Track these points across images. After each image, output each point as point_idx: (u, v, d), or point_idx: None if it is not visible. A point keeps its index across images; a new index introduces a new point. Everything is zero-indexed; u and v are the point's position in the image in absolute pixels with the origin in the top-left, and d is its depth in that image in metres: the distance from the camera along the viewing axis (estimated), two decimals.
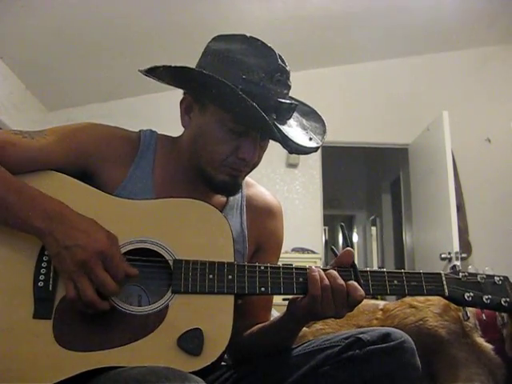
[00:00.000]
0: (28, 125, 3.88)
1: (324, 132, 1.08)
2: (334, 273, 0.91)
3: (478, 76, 4.38)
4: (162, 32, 3.62)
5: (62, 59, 3.70)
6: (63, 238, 0.83)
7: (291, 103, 0.99)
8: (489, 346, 1.46)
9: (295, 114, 1.05)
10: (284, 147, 0.98)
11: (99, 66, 3.89)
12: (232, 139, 0.98)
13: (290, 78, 1.00)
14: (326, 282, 0.90)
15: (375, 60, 4.45)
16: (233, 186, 1.03)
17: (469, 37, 4.24)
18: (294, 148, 0.98)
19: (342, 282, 0.90)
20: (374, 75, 4.43)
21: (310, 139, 1.02)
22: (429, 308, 1.59)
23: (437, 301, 1.59)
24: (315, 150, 1.02)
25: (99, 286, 0.83)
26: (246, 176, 1.06)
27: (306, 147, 1.00)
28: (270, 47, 0.97)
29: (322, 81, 4.41)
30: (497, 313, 1.03)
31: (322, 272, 0.92)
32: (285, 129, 0.97)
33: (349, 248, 0.97)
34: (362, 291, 0.91)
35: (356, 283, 0.91)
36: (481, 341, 1.48)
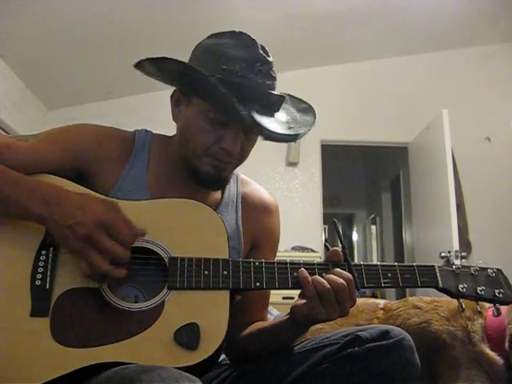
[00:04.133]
0: (27, 123, 3.88)
1: (311, 124, 1.06)
2: (333, 276, 0.91)
3: (478, 74, 4.38)
4: (161, 31, 3.62)
5: (61, 58, 3.70)
6: (63, 219, 0.83)
7: (274, 94, 0.98)
8: (499, 359, 1.42)
9: (291, 110, 1.06)
10: (257, 133, 0.98)
11: (99, 65, 3.89)
12: (214, 129, 0.98)
13: (275, 70, 0.99)
14: (327, 285, 0.89)
15: (375, 58, 4.45)
16: (217, 179, 1.03)
17: (468, 35, 4.24)
18: (267, 134, 0.96)
19: (341, 280, 0.90)
20: (373, 74, 4.43)
21: (290, 128, 1.00)
22: (436, 310, 1.53)
23: (446, 303, 1.53)
24: (290, 137, 1.00)
25: (108, 255, 0.83)
26: (232, 170, 1.06)
27: (278, 134, 0.97)
28: (253, 40, 0.99)
29: (321, 79, 4.42)
30: (493, 307, 1.02)
31: (320, 278, 0.91)
32: (262, 118, 0.95)
33: (335, 247, 0.97)
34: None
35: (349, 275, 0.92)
36: (490, 352, 1.43)
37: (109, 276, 0.84)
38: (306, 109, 1.10)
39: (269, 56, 0.99)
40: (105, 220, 0.84)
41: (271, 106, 0.99)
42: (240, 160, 1.05)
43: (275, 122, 0.98)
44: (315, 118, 1.08)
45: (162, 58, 0.95)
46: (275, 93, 0.99)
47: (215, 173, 1.02)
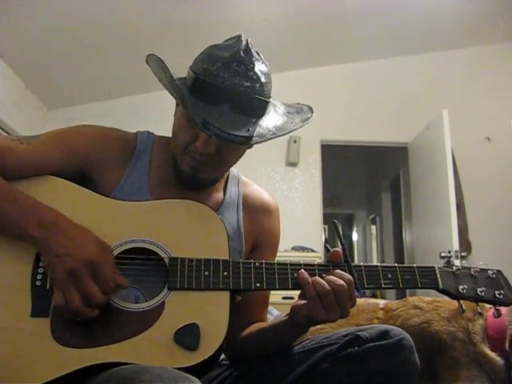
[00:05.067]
0: (28, 123, 3.88)
1: (277, 132, 0.99)
2: (333, 278, 0.91)
3: (478, 75, 4.38)
4: (161, 31, 3.62)
5: (61, 58, 3.70)
6: (55, 247, 0.84)
7: (249, 96, 0.95)
8: (499, 360, 1.41)
9: (296, 120, 1.03)
10: (202, 129, 0.93)
11: (99, 65, 3.88)
12: (192, 127, 0.98)
13: (257, 71, 0.97)
14: (328, 287, 0.89)
15: (375, 59, 4.45)
16: (192, 179, 1.03)
17: (468, 35, 4.24)
18: (213, 132, 0.91)
19: (342, 282, 0.90)
20: (373, 74, 4.43)
21: (248, 130, 0.95)
22: (436, 310, 1.52)
23: (446, 304, 1.52)
24: (238, 138, 0.93)
25: (86, 297, 0.83)
26: (212, 173, 1.05)
27: (228, 133, 0.91)
28: (240, 41, 0.98)
29: (321, 79, 4.42)
30: (493, 308, 1.02)
31: (320, 279, 0.91)
32: (218, 118, 0.92)
33: (336, 248, 0.97)
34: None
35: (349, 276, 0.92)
36: (490, 352, 1.42)
37: (80, 315, 0.83)
38: (306, 119, 1.07)
39: (250, 57, 0.97)
40: (94, 261, 0.84)
41: (246, 107, 0.96)
42: (220, 163, 1.03)
43: (234, 124, 0.93)
44: (294, 127, 1.02)
45: (150, 54, 0.98)
46: (260, 97, 0.97)
47: (191, 172, 1.02)
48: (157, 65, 0.98)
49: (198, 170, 1.02)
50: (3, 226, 0.88)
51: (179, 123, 1.02)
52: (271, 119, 1.00)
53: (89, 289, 0.83)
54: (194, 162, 1.01)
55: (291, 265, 0.95)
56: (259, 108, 0.99)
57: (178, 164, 1.03)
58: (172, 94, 0.98)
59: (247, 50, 0.97)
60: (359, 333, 0.94)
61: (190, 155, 1.00)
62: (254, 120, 0.97)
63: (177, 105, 1.07)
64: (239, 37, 1.00)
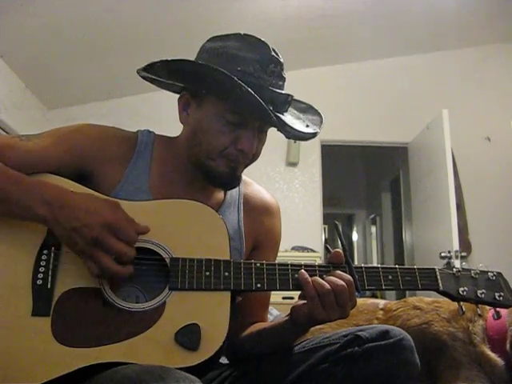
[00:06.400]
0: (27, 123, 3.88)
1: (321, 122, 1.10)
2: (333, 278, 0.91)
3: (478, 74, 4.39)
4: (161, 31, 3.63)
5: (61, 58, 3.70)
6: (68, 221, 0.84)
7: (287, 95, 1.01)
8: (499, 360, 1.41)
9: (292, 111, 1.07)
10: (282, 132, 1.01)
11: (99, 65, 3.89)
12: (230, 131, 0.99)
13: (285, 71, 1.02)
14: (328, 287, 0.89)
15: (375, 58, 4.45)
16: (231, 178, 1.04)
17: (468, 35, 4.24)
18: (291, 134, 1.00)
19: (342, 282, 0.90)
20: (373, 74, 4.43)
21: (307, 126, 1.04)
22: (436, 311, 1.52)
23: (446, 304, 1.52)
24: (313, 135, 1.05)
25: (117, 256, 0.84)
26: (244, 168, 1.07)
27: (303, 132, 1.03)
28: (263, 41, 1.00)
29: (321, 79, 4.42)
30: (493, 310, 1.02)
31: (320, 279, 0.91)
32: (281, 116, 1.00)
33: (337, 249, 0.98)
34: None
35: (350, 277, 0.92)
36: (490, 353, 1.42)
37: (119, 275, 0.85)
38: (305, 108, 1.11)
39: (280, 57, 1.01)
40: (111, 221, 0.85)
41: (281, 106, 1.01)
42: (253, 159, 1.06)
43: (295, 122, 1.02)
44: (321, 116, 1.10)
45: (178, 59, 0.96)
46: (288, 93, 1.02)
47: (230, 172, 1.03)
48: (207, 69, 0.95)
49: (236, 168, 1.03)
50: (9, 208, 0.88)
51: (213, 127, 1.00)
52: (289, 114, 1.05)
53: (117, 248, 0.84)
54: (234, 162, 1.02)
55: (292, 266, 0.95)
56: (288, 105, 1.04)
57: (209, 167, 1.02)
58: (235, 96, 0.93)
59: (273, 49, 1.00)
60: (359, 333, 0.94)
61: (227, 157, 1.01)
62: (288, 117, 1.03)
63: (186, 109, 1.05)
64: (247, 35, 1.00)
